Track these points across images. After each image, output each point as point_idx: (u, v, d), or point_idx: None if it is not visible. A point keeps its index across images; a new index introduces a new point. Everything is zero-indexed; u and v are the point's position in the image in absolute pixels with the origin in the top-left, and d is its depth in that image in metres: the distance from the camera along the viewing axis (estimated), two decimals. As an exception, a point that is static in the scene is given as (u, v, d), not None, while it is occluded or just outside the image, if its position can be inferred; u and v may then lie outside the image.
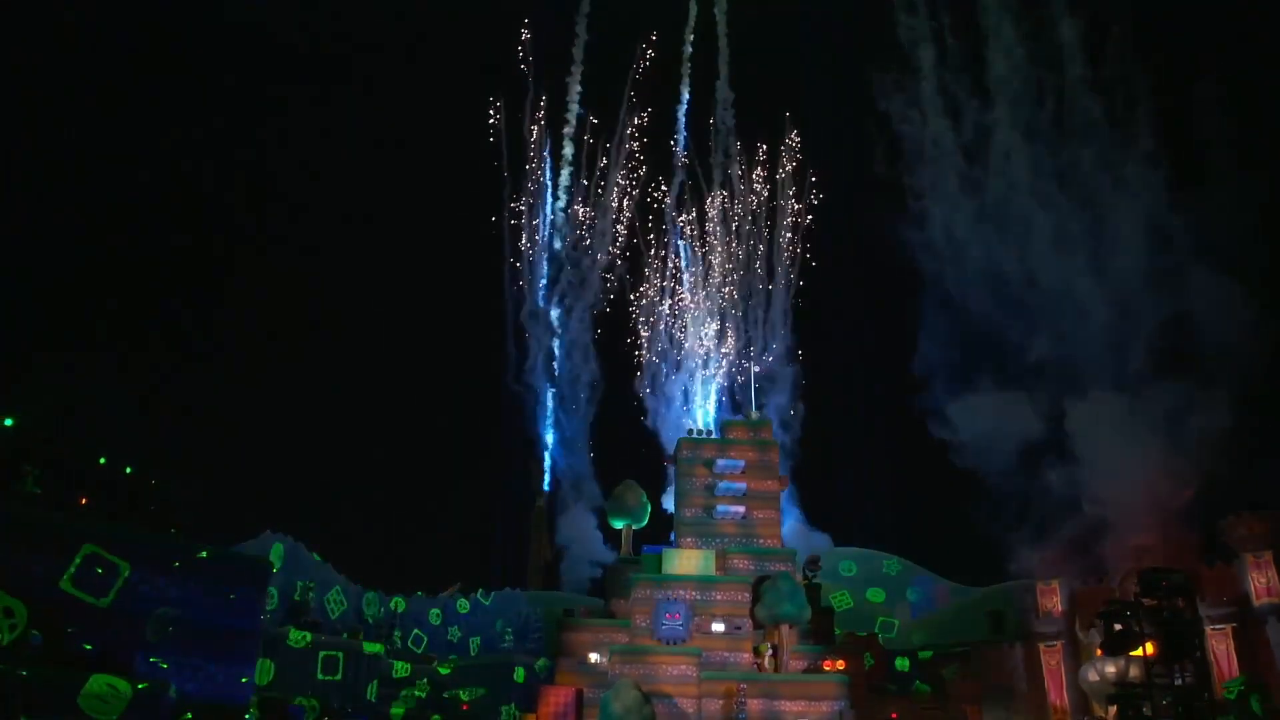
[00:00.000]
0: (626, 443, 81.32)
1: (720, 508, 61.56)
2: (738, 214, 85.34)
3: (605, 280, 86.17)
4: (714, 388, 75.65)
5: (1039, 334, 65.77)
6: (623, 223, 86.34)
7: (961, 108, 73.27)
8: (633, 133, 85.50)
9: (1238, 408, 55.95)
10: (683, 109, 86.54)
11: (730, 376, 76.67)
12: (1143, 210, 64.58)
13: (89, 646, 30.61)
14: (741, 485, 62.03)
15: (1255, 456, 56.05)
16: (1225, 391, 56.21)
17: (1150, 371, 60.55)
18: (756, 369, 69.92)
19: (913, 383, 71.10)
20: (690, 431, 66.00)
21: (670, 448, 67.43)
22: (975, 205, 71.24)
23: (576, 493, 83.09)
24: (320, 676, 51.40)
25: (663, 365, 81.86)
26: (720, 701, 52.64)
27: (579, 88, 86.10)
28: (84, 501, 34.59)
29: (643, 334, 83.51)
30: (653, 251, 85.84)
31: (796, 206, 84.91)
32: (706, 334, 78.84)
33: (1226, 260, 59.99)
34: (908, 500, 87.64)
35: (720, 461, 62.50)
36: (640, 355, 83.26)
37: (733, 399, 75.06)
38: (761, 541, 61.00)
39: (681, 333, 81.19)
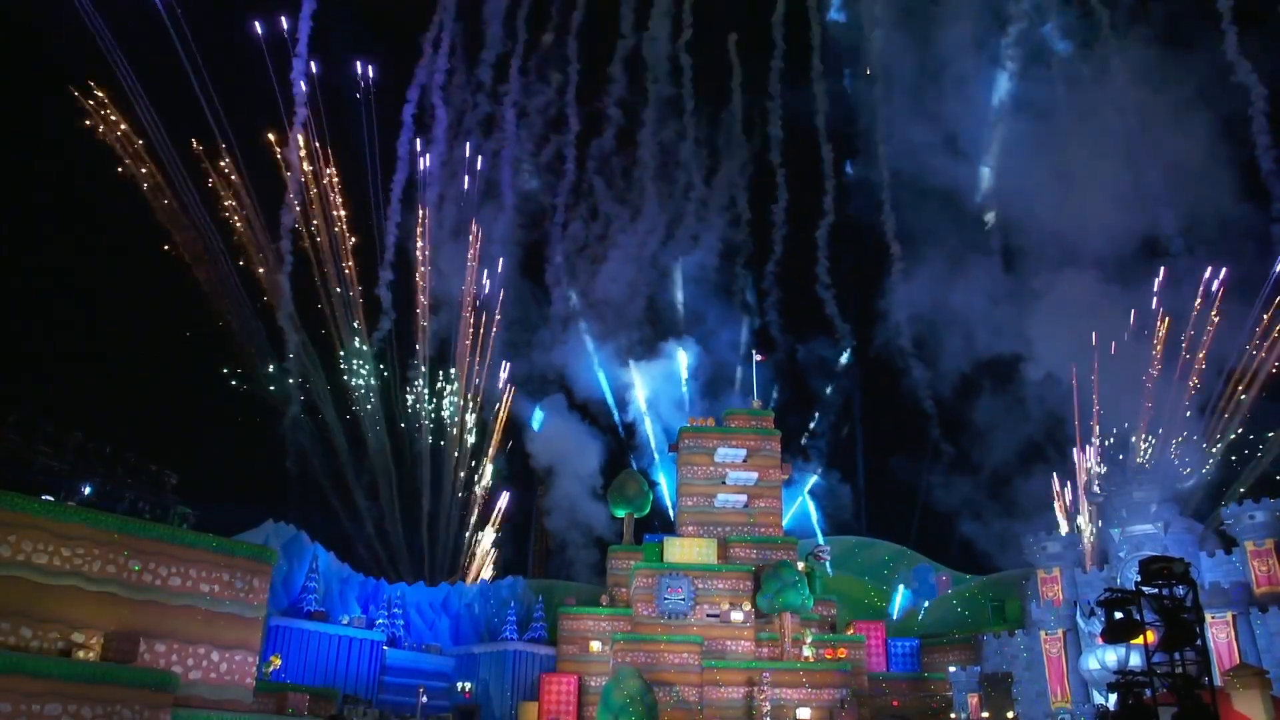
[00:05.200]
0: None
1: (721, 496, 61.65)
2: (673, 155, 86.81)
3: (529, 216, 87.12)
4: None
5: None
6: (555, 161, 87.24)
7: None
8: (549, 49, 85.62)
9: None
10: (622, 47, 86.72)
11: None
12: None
13: None
14: (743, 474, 62.06)
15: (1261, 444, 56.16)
16: None
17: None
18: (758, 358, 69.60)
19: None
20: (691, 420, 65.97)
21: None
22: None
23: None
24: (323, 665, 51.68)
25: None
26: (721, 690, 52.81)
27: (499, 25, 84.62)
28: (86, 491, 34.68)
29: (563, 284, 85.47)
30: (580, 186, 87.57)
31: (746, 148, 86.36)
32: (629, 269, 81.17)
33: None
34: (906, 489, 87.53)
35: (722, 450, 62.44)
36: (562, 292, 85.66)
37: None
38: (763, 530, 61.09)
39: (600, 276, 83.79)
